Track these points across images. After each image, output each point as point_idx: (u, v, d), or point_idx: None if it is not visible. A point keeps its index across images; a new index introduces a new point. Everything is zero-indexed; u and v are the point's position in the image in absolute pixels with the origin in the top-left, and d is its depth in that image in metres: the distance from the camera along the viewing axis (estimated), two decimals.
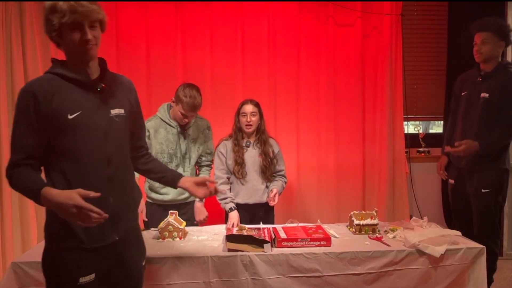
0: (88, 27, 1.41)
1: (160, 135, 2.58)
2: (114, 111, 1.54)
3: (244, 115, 2.64)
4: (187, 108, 2.46)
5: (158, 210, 2.62)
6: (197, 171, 2.79)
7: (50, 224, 1.49)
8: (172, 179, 1.80)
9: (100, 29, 1.48)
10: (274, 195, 2.59)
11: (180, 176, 1.81)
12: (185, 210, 2.56)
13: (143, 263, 1.71)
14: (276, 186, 2.66)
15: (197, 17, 3.40)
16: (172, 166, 2.57)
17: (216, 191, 1.83)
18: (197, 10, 3.39)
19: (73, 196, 1.32)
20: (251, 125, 2.64)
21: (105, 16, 1.50)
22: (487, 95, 2.52)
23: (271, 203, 2.60)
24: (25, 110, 1.41)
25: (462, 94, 2.72)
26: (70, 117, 1.43)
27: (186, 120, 2.54)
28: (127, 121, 1.60)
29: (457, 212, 2.88)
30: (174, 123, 2.59)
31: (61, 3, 1.38)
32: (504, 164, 2.62)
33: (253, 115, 2.64)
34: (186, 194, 2.61)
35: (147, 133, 2.58)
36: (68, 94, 1.45)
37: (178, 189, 2.53)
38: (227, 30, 3.43)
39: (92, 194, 1.34)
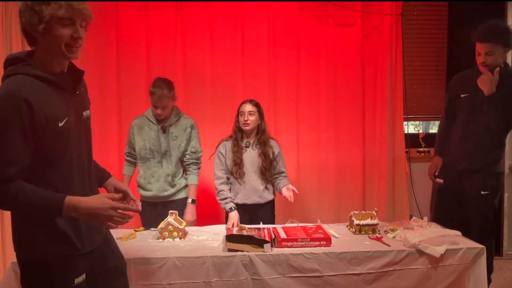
0: (79, 25, 1.37)
1: (143, 132, 2.69)
2: (85, 113, 1.51)
3: (242, 114, 2.65)
4: (153, 99, 2.59)
5: (146, 208, 2.62)
6: (186, 171, 2.80)
7: (30, 236, 1.41)
8: (99, 179, 1.69)
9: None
10: (290, 193, 2.55)
11: (107, 177, 1.71)
12: (172, 208, 2.55)
13: (119, 251, 1.72)
14: (287, 182, 2.65)
15: (197, 17, 3.40)
16: (154, 162, 2.69)
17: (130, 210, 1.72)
18: (197, 10, 3.39)
19: (106, 200, 1.32)
20: (248, 124, 2.64)
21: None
22: None
23: (291, 199, 2.54)
24: (17, 117, 1.26)
25: (462, 96, 2.66)
26: (60, 124, 1.35)
27: (158, 112, 2.61)
28: (91, 121, 1.58)
29: (443, 211, 2.84)
30: (156, 121, 2.69)
31: None
32: (501, 167, 2.65)
33: (251, 114, 2.64)
34: (170, 191, 2.69)
35: (132, 130, 2.73)
36: (55, 99, 1.37)
37: (159, 186, 2.66)
38: (227, 30, 3.43)
39: (117, 196, 1.37)
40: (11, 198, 1.29)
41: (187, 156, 2.75)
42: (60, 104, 1.38)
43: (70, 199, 1.31)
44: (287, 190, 2.57)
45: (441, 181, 2.80)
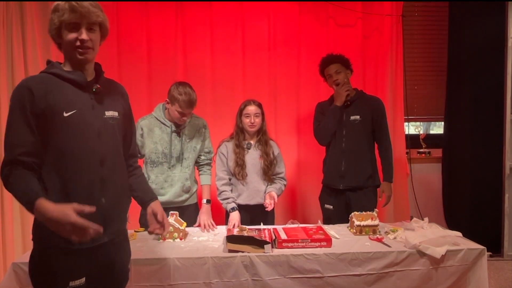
0: (85, 28, 1.42)
1: (154, 134, 2.55)
2: (109, 113, 1.55)
3: (248, 116, 2.63)
4: (184, 106, 2.44)
5: None
6: (197, 171, 2.75)
7: (38, 224, 1.45)
8: (141, 201, 1.73)
9: (101, 34, 1.49)
10: (271, 201, 2.55)
11: (150, 201, 1.71)
12: (186, 214, 2.52)
13: (129, 266, 1.70)
14: (274, 189, 2.63)
15: (198, 18, 3.40)
16: (167, 166, 2.55)
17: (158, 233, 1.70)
18: (198, 10, 3.39)
19: (68, 213, 1.28)
20: (255, 126, 2.63)
21: (107, 20, 1.50)
22: (358, 117, 2.80)
23: (268, 208, 2.55)
24: (21, 105, 1.39)
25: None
26: (65, 114, 1.42)
27: (185, 118, 2.50)
28: (120, 124, 1.61)
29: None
30: (169, 123, 2.56)
31: (62, 2, 1.40)
32: (378, 181, 2.89)
33: (257, 116, 2.63)
34: (183, 197, 2.59)
35: (140, 132, 2.54)
36: (64, 92, 1.45)
37: (175, 191, 2.55)
38: (228, 30, 3.44)
39: (87, 209, 1.31)
40: (9, 183, 1.39)
41: (202, 157, 2.68)
42: (70, 97, 1.45)
43: (40, 203, 1.31)
44: (269, 197, 2.57)
45: (331, 207, 2.90)
